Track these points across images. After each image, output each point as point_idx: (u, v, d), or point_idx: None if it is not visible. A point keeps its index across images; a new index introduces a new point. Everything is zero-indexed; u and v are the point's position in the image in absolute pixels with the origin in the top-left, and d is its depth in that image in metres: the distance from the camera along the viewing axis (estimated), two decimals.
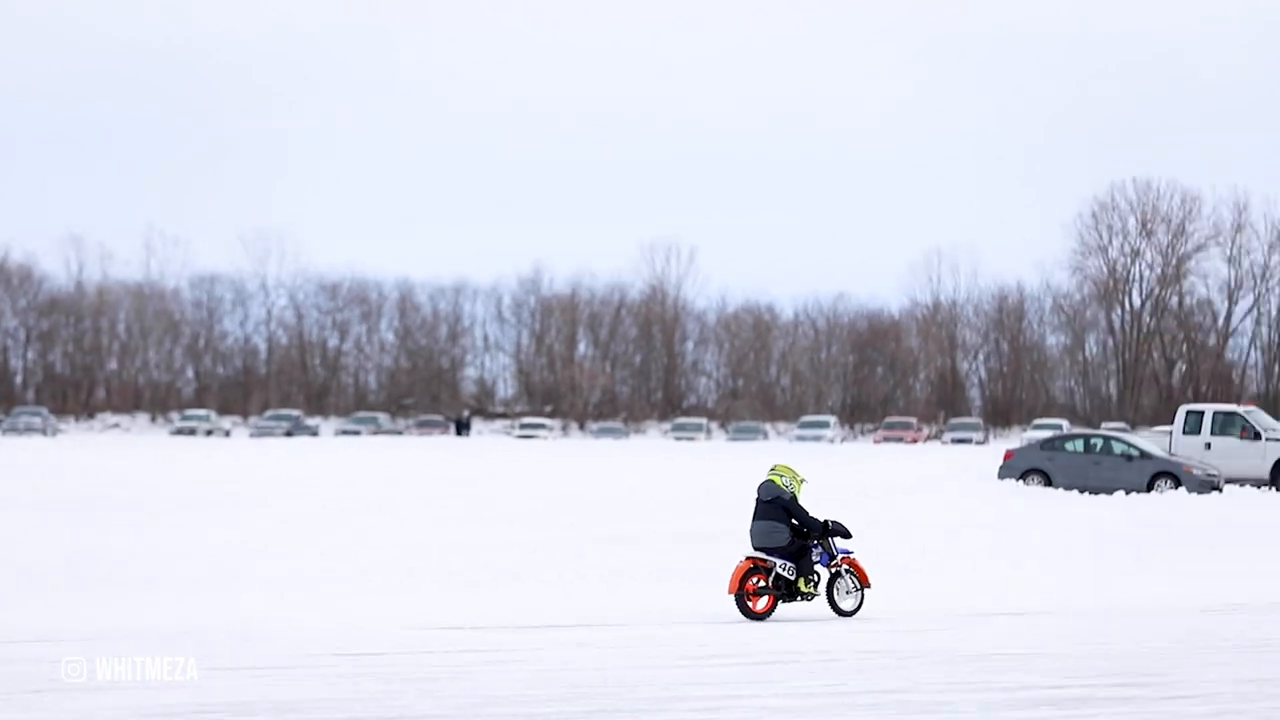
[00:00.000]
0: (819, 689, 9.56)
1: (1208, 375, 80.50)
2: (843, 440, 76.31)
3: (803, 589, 13.11)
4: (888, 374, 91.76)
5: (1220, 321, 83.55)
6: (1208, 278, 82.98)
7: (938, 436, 77.02)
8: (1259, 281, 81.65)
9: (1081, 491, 30.18)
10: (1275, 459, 33.07)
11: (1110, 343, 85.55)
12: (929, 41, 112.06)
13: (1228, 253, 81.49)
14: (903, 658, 11.20)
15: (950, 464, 38.78)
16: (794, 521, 13.04)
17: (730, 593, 13.00)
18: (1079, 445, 34.01)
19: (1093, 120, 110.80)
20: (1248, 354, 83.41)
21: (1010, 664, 10.98)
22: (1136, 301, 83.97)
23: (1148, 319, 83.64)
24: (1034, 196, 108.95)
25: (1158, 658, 11.55)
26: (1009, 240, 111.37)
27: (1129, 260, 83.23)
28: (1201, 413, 35.26)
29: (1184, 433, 34.36)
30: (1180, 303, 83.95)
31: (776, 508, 13.08)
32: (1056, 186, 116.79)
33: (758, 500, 13.28)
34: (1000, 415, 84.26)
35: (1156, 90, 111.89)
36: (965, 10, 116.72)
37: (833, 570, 13.38)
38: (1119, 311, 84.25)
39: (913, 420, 78.79)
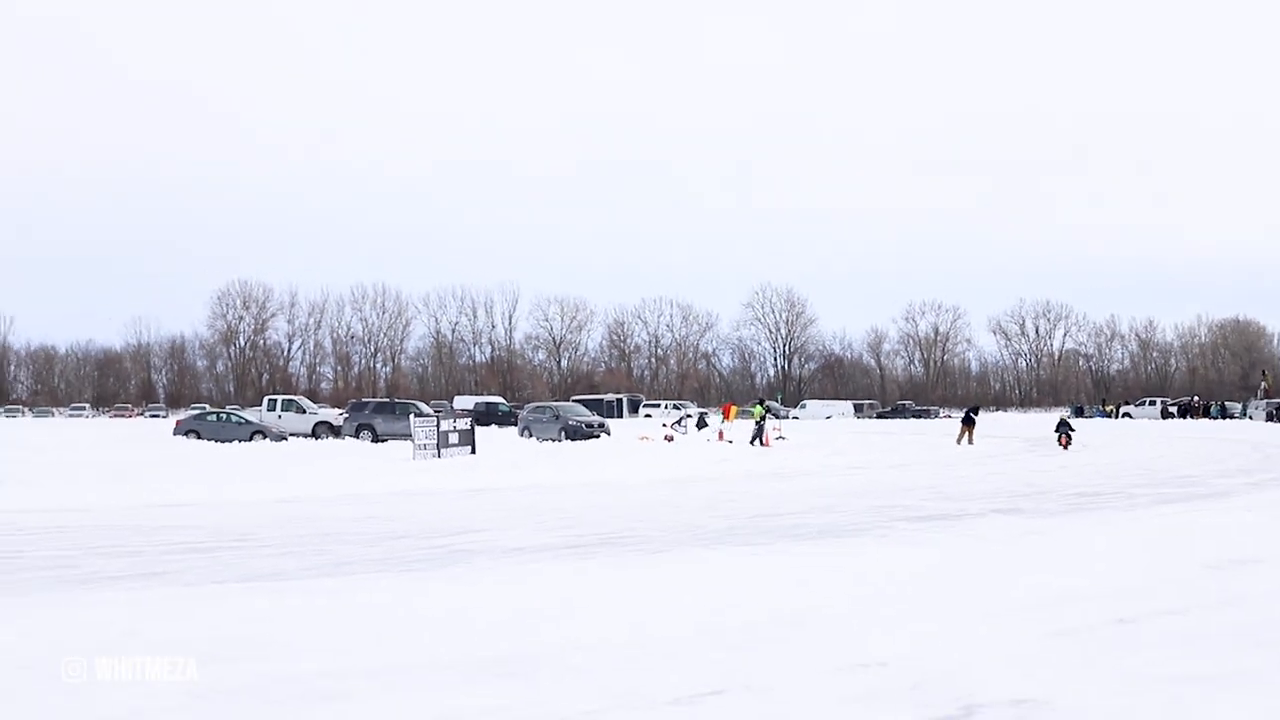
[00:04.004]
0: None
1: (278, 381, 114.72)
2: None
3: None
4: None
5: None
6: None
7: None
8: None
9: (215, 441, 41.94)
10: (314, 423, 48.38)
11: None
12: None
13: None
14: None
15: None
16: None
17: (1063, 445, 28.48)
18: (215, 417, 46.96)
19: None
20: None
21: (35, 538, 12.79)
22: None
23: None
24: None
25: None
26: None
27: None
28: (277, 399, 51.08)
29: (268, 411, 49.93)
30: None
31: (1066, 424, 27.17)
32: None
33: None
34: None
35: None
36: None
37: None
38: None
39: None
